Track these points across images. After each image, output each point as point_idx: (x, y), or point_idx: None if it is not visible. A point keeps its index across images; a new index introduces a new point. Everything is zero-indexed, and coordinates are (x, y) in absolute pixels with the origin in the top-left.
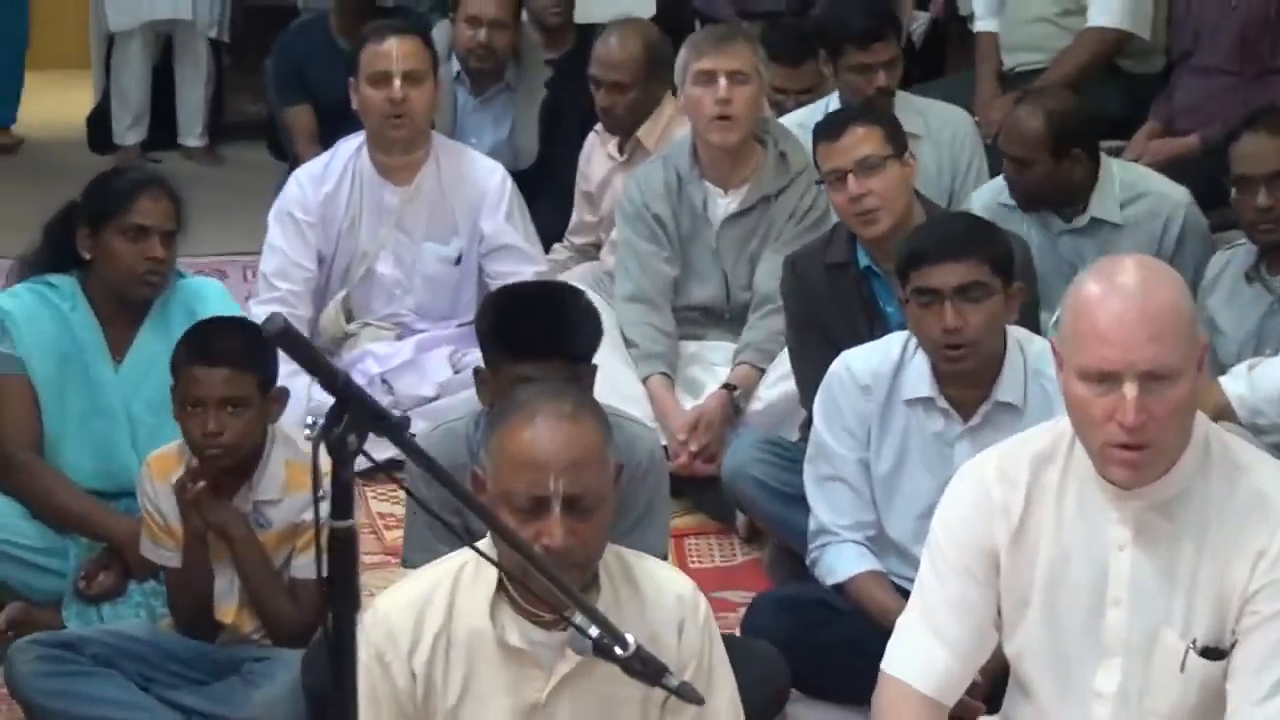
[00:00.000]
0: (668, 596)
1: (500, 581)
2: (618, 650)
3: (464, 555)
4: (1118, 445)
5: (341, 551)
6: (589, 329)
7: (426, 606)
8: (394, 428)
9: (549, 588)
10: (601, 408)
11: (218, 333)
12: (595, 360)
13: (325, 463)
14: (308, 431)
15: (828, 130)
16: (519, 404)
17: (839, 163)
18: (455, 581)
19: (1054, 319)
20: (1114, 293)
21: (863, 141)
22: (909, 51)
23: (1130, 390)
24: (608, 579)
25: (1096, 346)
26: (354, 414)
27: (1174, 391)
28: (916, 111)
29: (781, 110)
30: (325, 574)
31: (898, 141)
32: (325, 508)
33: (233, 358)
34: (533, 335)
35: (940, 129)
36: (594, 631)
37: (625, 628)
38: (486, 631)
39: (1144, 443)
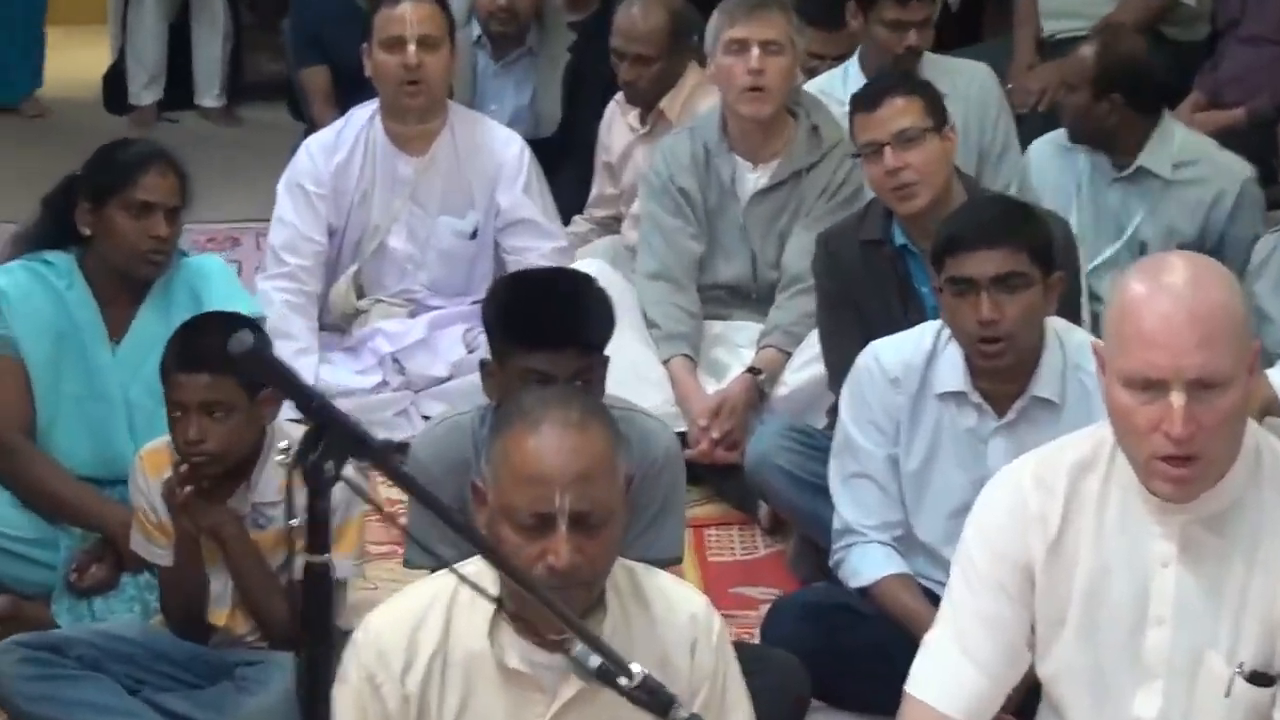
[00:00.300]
0: (680, 615)
1: (500, 599)
2: (622, 680)
3: (464, 568)
4: (1164, 457)
5: (317, 588)
6: (602, 317)
7: (421, 625)
8: (376, 453)
9: (548, 615)
10: (610, 413)
11: (201, 335)
12: (613, 340)
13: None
14: (282, 457)
15: (865, 100)
16: (523, 411)
17: (876, 134)
18: (452, 598)
19: (1090, 266)
20: (1161, 293)
21: (902, 113)
22: (945, 15)
23: (1178, 399)
24: (616, 597)
25: (1142, 351)
26: (332, 439)
27: (1224, 400)
28: (943, 71)
29: (814, 76)
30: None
31: (938, 114)
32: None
33: (213, 361)
34: (543, 324)
35: (966, 86)
36: (594, 662)
37: (634, 649)
38: (485, 653)
39: (1192, 454)
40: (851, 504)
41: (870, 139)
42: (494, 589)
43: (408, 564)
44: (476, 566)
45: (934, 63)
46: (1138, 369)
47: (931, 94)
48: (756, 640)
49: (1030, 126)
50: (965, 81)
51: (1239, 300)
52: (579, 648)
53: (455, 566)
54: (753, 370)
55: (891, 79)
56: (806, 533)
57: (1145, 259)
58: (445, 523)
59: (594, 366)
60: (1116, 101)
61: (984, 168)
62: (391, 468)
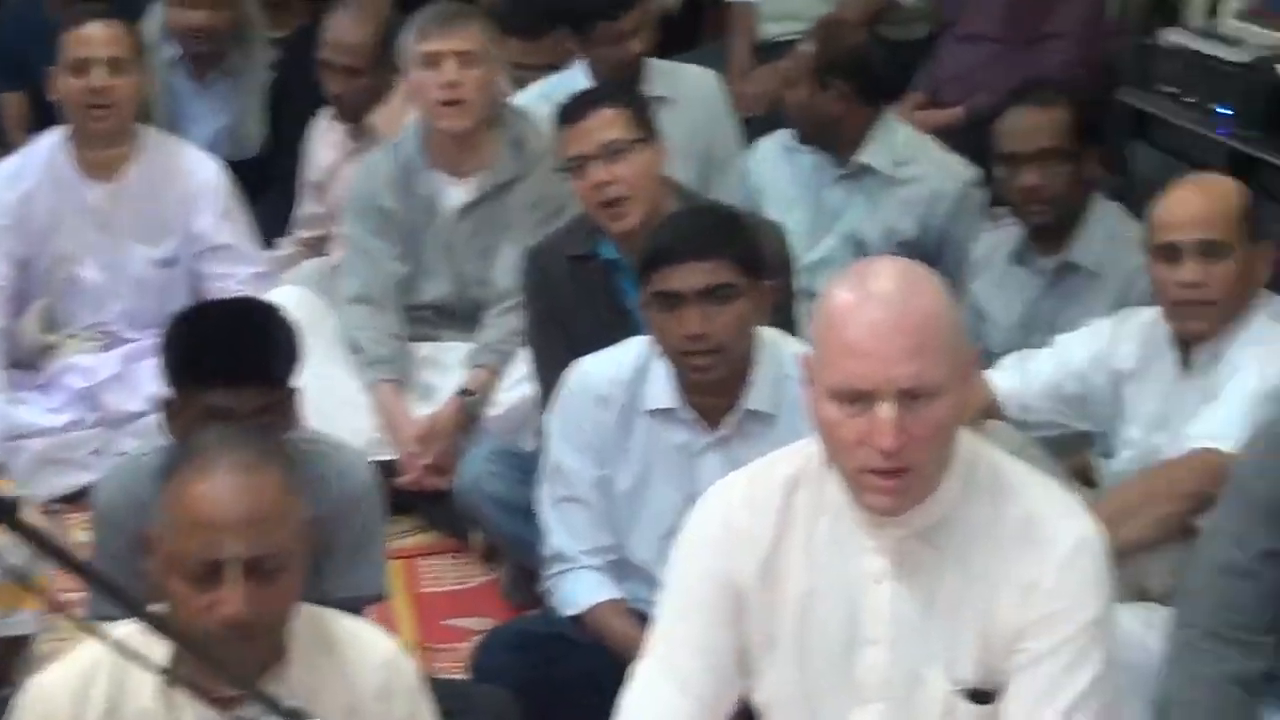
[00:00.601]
0: (369, 661)
1: (176, 654)
2: None
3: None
4: (874, 471)
5: None
6: (286, 350)
7: (91, 683)
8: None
9: (216, 672)
10: (289, 453)
11: None
12: (317, 367)
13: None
14: None
15: (570, 113)
16: (193, 453)
17: (582, 148)
18: None
19: (807, 263)
20: (868, 301)
21: (608, 125)
22: (664, 19)
23: (887, 410)
24: (301, 645)
25: (848, 363)
26: None
27: (935, 410)
28: (668, 76)
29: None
30: None
31: (647, 125)
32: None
33: None
34: (222, 359)
35: (690, 92)
36: None
37: (320, 699)
38: (158, 713)
39: (903, 466)
40: (562, 529)
41: (577, 152)
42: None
43: (91, 617)
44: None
45: (660, 69)
46: (844, 380)
47: (639, 104)
48: (469, 674)
49: (754, 131)
50: (691, 87)
51: (951, 307)
52: (251, 707)
53: (118, 625)
54: (463, 392)
55: (597, 90)
56: (520, 560)
57: (853, 266)
58: (79, 576)
59: (281, 401)
60: (839, 91)
61: (710, 174)
62: (15, 524)
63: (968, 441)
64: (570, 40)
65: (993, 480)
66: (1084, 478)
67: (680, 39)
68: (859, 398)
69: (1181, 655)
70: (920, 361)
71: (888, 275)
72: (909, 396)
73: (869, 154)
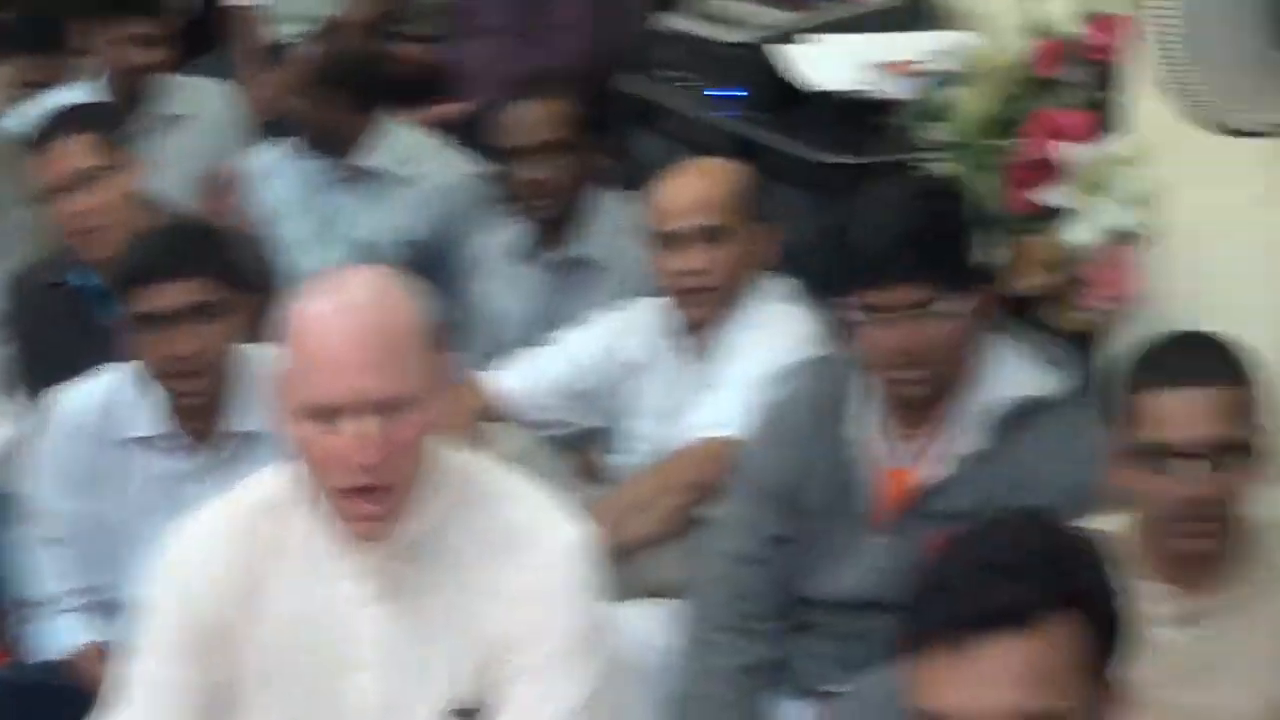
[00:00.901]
0: None
1: None
2: None
3: None
4: (354, 490)
5: None
6: None
7: None
8: None
9: None
10: None
11: None
12: None
13: None
14: None
15: (40, 140)
16: None
17: (52, 177)
18: None
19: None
20: (338, 313)
21: (76, 153)
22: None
23: (360, 425)
24: None
25: (317, 377)
26: None
27: (412, 420)
28: (181, 92)
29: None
30: None
31: (116, 150)
32: None
33: None
34: None
35: (205, 108)
36: None
37: None
38: None
39: (383, 483)
40: (46, 571)
41: (47, 182)
42: None
43: None
44: None
45: (175, 85)
46: (314, 396)
47: (108, 129)
48: None
49: (271, 135)
50: (205, 101)
51: (423, 314)
52: None
53: None
54: None
55: (68, 116)
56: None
57: (322, 277)
58: None
59: None
60: (337, 99)
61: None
62: None
63: (449, 452)
64: (87, 30)
65: (477, 490)
66: (593, 475)
67: (199, 43)
68: (331, 413)
69: (695, 649)
70: (391, 372)
71: (355, 285)
72: (382, 409)
73: (372, 156)
